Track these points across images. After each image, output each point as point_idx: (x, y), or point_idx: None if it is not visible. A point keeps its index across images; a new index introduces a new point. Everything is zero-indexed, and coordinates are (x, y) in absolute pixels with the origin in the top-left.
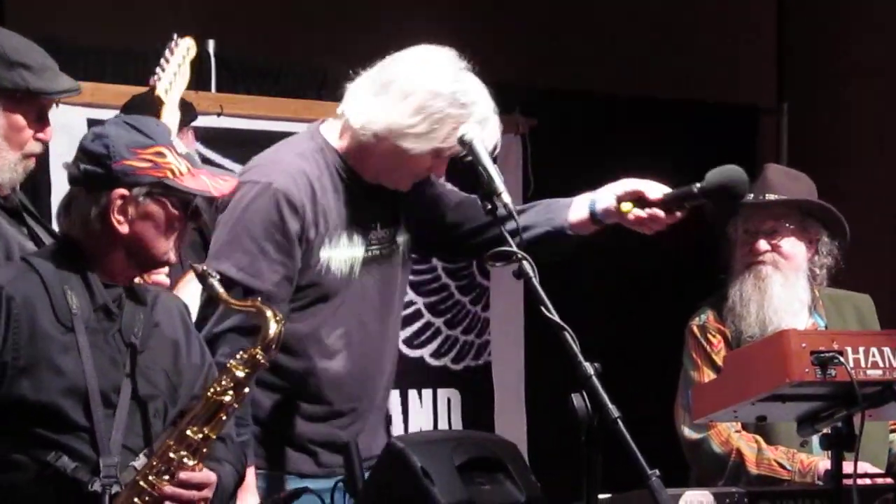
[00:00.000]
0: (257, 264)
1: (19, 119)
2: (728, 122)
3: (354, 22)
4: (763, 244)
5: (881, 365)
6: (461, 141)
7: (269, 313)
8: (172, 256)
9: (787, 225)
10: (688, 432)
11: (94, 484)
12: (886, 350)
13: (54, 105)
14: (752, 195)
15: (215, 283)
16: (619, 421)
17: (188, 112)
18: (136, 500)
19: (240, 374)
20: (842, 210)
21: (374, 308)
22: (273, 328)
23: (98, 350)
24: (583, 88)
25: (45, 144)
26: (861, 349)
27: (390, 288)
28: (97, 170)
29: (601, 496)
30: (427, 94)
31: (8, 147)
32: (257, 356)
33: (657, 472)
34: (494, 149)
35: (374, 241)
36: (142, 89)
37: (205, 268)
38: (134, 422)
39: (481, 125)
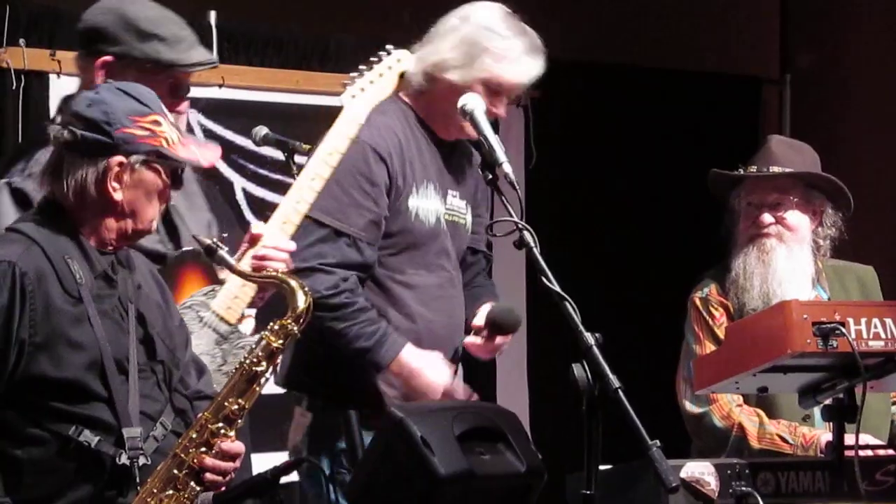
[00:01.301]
0: (345, 209)
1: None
2: (731, 93)
3: None
4: (767, 217)
5: (883, 336)
6: (462, 111)
7: (294, 284)
8: (156, 225)
9: (792, 197)
10: (689, 406)
11: (121, 457)
12: (889, 321)
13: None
14: (755, 167)
15: (225, 254)
16: (619, 391)
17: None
18: (175, 471)
19: (275, 344)
20: (844, 180)
21: (455, 266)
22: (301, 299)
23: (105, 318)
24: (585, 60)
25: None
26: (863, 320)
27: (458, 255)
28: (98, 137)
29: (602, 467)
30: (463, 27)
31: None
32: (290, 326)
33: (658, 442)
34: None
35: (450, 205)
36: None
37: (213, 240)
38: (146, 388)
39: (515, 63)
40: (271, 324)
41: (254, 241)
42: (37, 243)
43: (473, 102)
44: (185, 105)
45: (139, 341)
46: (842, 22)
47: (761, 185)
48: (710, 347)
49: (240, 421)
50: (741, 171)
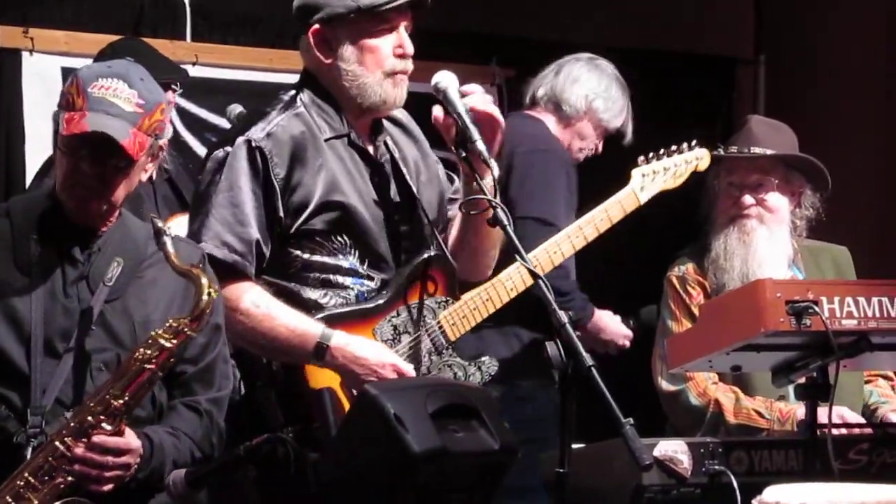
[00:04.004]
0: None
1: (367, 40)
2: (705, 73)
3: None
4: (748, 198)
5: (856, 315)
6: (435, 88)
7: (203, 282)
8: (71, 205)
9: (773, 179)
10: (665, 385)
11: (19, 435)
12: (861, 300)
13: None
14: (735, 147)
15: (168, 241)
16: (593, 369)
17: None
18: (49, 459)
19: (164, 342)
20: (818, 160)
21: None
22: (205, 299)
23: (53, 297)
24: (559, 38)
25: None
26: (836, 299)
27: None
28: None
29: (575, 445)
30: None
31: (366, 71)
32: (184, 328)
33: (631, 420)
34: None
35: None
36: (116, 38)
37: (161, 225)
38: (79, 373)
39: None
40: (169, 321)
41: None
42: (9, 217)
43: (447, 80)
44: (170, 94)
45: (94, 326)
46: (816, 2)
47: (743, 166)
48: (686, 325)
49: (126, 416)
50: (721, 151)
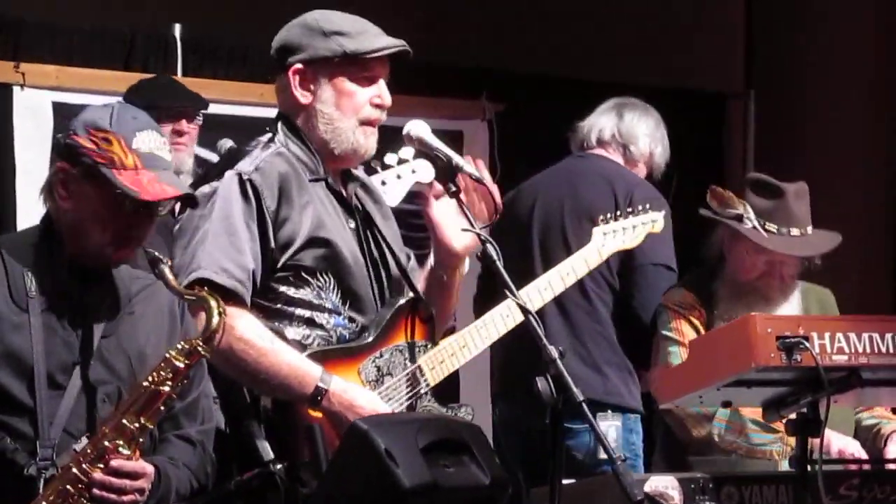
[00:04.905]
0: None
1: (347, 85)
2: (696, 108)
3: (321, 4)
4: (779, 278)
5: (847, 350)
6: (408, 137)
7: (213, 303)
8: (110, 252)
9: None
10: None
11: (30, 467)
12: (852, 335)
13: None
14: (775, 225)
15: (166, 269)
16: (583, 404)
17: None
18: (68, 486)
19: (179, 363)
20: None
21: None
22: (216, 319)
23: (51, 331)
24: (550, 73)
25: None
26: (827, 334)
27: None
28: (58, 139)
29: (565, 481)
30: None
31: (342, 115)
32: (198, 347)
33: (623, 456)
34: None
35: None
36: (107, 73)
37: (156, 253)
38: (81, 406)
39: None
40: (181, 343)
41: None
42: (1, 254)
43: (418, 127)
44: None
45: (90, 358)
46: (807, 36)
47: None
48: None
49: (141, 439)
50: (753, 224)
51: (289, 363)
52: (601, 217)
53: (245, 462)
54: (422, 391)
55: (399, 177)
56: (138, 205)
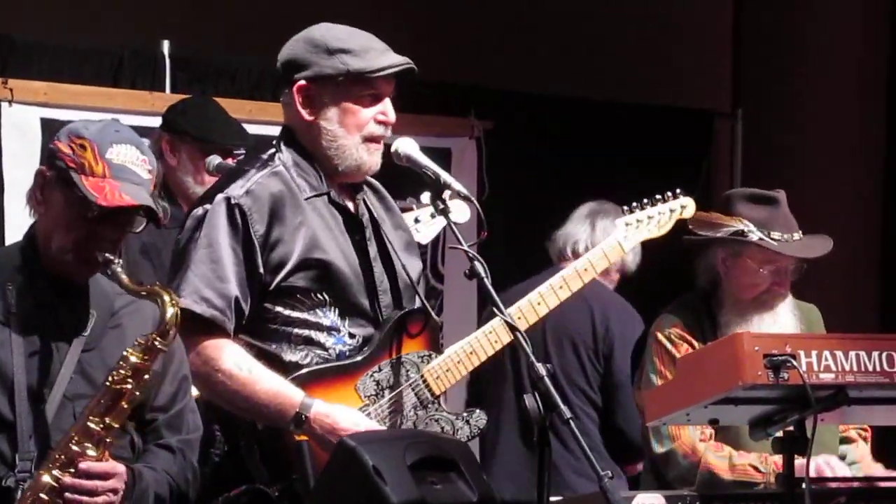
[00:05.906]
0: None
1: (351, 103)
2: (683, 127)
3: (310, 22)
4: (784, 286)
5: (833, 368)
6: (396, 155)
7: (166, 298)
8: (70, 259)
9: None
10: (655, 446)
11: (8, 479)
12: (839, 353)
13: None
14: (777, 233)
15: (118, 268)
16: (571, 422)
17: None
18: (41, 494)
19: (135, 360)
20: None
21: None
22: (170, 313)
23: (32, 345)
24: (538, 91)
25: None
26: (814, 353)
27: None
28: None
29: (553, 498)
30: None
31: (346, 133)
32: (155, 342)
33: (609, 473)
34: None
35: None
36: (96, 89)
37: (108, 255)
38: (60, 419)
39: None
40: (137, 339)
41: None
42: None
43: (406, 145)
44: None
45: (73, 374)
46: (794, 56)
47: (793, 257)
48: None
49: (109, 440)
50: (756, 236)
51: (266, 391)
52: (625, 208)
53: (241, 482)
54: (427, 401)
55: (433, 216)
56: (101, 212)
